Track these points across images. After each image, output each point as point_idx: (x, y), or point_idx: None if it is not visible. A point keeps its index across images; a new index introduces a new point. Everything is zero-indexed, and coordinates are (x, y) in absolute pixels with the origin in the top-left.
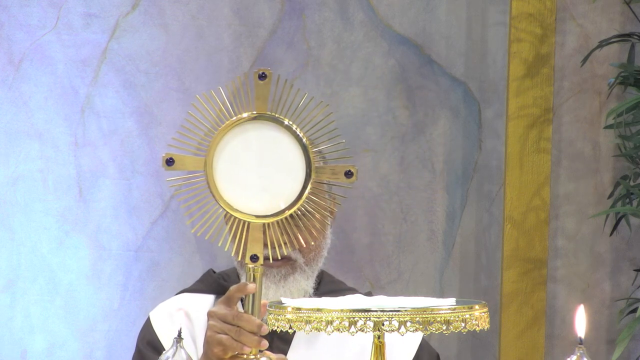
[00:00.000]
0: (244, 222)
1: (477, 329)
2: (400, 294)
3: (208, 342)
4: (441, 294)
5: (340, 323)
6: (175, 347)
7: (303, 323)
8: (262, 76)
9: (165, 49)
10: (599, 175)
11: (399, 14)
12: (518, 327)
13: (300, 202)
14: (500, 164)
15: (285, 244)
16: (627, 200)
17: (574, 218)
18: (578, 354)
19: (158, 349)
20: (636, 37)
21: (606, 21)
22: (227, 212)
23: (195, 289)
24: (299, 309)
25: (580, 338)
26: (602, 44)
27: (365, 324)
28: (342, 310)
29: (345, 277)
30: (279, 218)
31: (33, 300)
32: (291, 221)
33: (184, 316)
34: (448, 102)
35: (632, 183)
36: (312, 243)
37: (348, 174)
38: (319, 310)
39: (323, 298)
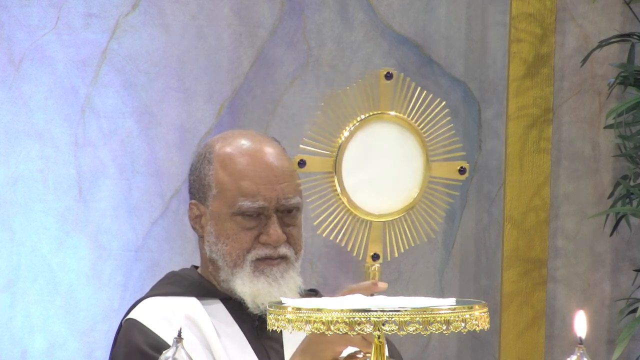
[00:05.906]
0: (367, 221)
1: (477, 329)
2: (400, 294)
3: (330, 341)
4: (441, 294)
5: (340, 323)
6: (175, 347)
7: (303, 323)
8: (388, 76)
9: (165, 49)
10: (599, 175)
11: (399, 14)
12: (518, 327)
13: (418, 199)
14: (500, 164)
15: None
16: (627, 200)
17: (574, 218)
18: (578, 354)
19: None
20: (636, 37)
21: (606, 21)
22: (350, 211)
23: (168, 292)
24: (299, 309)
25: (580, 338)
26: (602, 44)
27: (365, 324)
28: (342, 310)
29: (345, 277)
30: (398, 216)
31: (33, 300)
32: (408, 219)
33: (187, 320)
34: (448, 102)
35: (632, 183)
36: (433, 236)
37: (461, 171)
38: (319, 310)
39: (323, 298)
